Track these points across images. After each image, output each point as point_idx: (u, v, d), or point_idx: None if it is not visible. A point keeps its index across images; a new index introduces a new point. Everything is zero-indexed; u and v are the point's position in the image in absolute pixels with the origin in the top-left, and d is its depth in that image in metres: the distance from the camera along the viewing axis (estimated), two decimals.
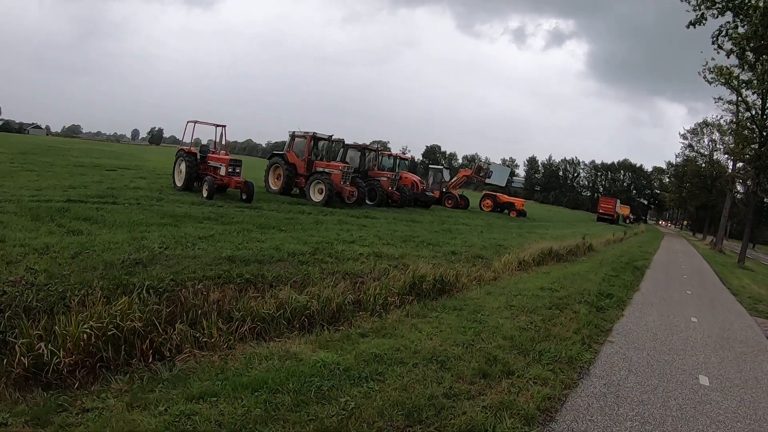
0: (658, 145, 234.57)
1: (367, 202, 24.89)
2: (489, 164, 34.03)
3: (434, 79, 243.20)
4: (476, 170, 33.99)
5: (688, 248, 38.80)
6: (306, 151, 22.22)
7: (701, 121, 56.44)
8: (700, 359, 7.19)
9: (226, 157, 18.11)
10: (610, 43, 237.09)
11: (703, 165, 56.37)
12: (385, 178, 25.52)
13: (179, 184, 17.96)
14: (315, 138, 22.46)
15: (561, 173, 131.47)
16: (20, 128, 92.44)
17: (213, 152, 18.65)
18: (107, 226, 9.43)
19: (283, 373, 4.78)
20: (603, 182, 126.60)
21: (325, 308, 7.11)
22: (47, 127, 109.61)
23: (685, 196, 61.23)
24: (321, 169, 21.54)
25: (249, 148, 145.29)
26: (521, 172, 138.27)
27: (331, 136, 23.38)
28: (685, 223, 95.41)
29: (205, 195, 16.45)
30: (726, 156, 49.36)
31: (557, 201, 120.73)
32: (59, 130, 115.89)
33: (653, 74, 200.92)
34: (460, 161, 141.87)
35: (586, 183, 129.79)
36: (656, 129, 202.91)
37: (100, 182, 16.68)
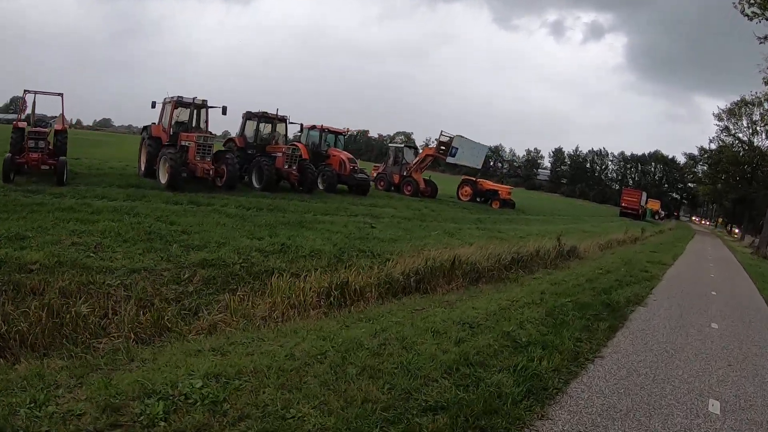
0: (695, 139, 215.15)
1: (254, 185, 16.98)
2: (451, 138, 24.67)
3: (471, 73, 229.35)
4: (438, 147, 24.85)
5: (723, 252, 28.46)
6: (168, 121, 15.96)
7: (739, 99, 44.39)
8: None
9: (34, 129, 13.86)
10: (649, 36, 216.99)
11: (742, 152, 44.51)
12: (279, 154, 17.30)
13: None
14: (181, 104, 16.12)
15: (588, 165, 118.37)
16: (45, 121, 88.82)
17: (41, 126, 14.78)
18: None
19: None
20: (633, 175, 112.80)
21: None
22: (78, 121, 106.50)
23: (720, 189, 49.36)
24: (183, 143, 15.44)
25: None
26: (547, 163, 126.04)
27: (196, 98, 16.18)
28: (719, 220, 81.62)
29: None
30: None
31: (584, 194, 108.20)
32: (91, 124, 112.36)
33: (692, 68, 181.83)
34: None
35: (615, 176, 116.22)
36: (693, 123, 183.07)
37: None
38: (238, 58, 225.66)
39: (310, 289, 7.27)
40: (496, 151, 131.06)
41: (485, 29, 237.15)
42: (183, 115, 16.50)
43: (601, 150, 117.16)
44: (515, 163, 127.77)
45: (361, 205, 16.91)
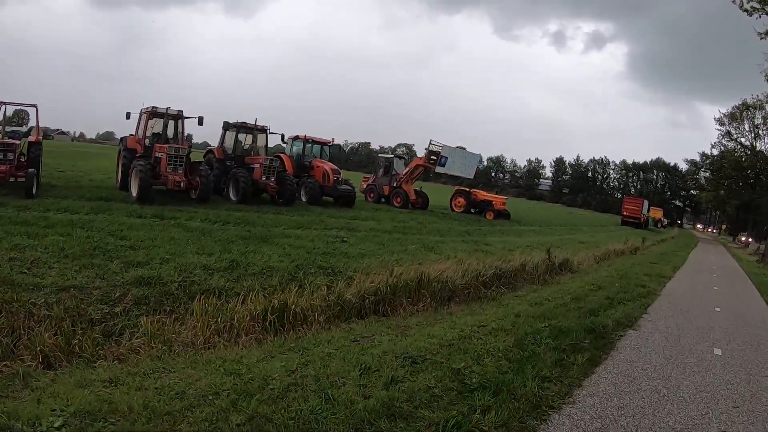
0: (697, 145, 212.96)
1: (231, 197, 16.10)
2: (440, 146, 23.61)
3: (472, 84, 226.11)
4: (428, 157, 23.80)
5: (728, 261, 27.12)
6: (143, 132, 15.29)
7: (740, 102, 43.04)
8: None
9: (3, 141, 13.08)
10: (649, 44, 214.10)
11: (744, 156, 43.03)
12: (257, 165, 16.44)
13: None
14: (155, 114, 15.27)
15: (590, 174, 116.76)
16: (45, 134, 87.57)
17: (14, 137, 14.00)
18: None
19: None
20: (635, 183, 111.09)
21: None
22: (81, 134, 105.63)
23: (723, 195, 47.73)
24: (158, 155, 14.70)
25: (279, 151, 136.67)
26: (548, 173, 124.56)
27: (169, 108, 15.31)
28: (723, 227, 79.64)
29: None
30: None
31: (586, 204, 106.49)
32: (93, 136, 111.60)
33: (693, 74, 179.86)
34: (485, 163, 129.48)
35: (617, 184, 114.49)
36: (695, 130, 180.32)
37: None
38: (240, 70, 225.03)
39: (245, 312, 6.36)
40: (497, 162, 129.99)
41: (486, 40, 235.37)
42: (158, 125, 15.81)
43: (602, 159, 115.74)
44: (516, 174, 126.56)
45: (341, 218, 15.87)
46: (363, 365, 4.54)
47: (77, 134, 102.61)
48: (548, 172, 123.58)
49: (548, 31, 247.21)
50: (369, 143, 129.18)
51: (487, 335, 5.93)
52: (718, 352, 6.80)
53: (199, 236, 10.16)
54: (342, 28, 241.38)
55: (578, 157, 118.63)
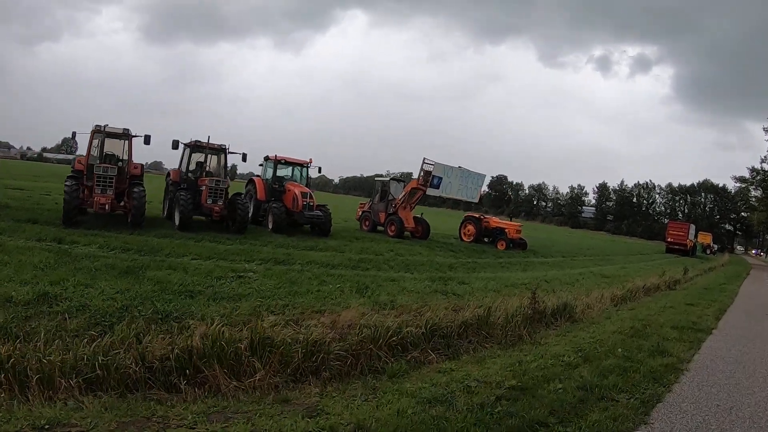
0: (748, 165, 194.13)
1: (175, 222, 13.50)
2: (432, 164, 19.86)
3: (518, 112, 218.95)
4: (424, 178, 20.14)
5: None
6: (87, 152, 13.44)
7: None
8: None
9: None
10: (695, 65, 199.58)
11: None
12: (203, 187, 13.73)
13: None
14: (100, 132, 13.22)
15: (635, 200, 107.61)
16: None
17: None
18: None
19: None
20: (682, 207, 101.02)
21: None
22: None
23: None
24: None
25: (321, 183, 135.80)
26: (591, 200, 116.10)
27: (107, 125, 13.42)
28: None
29: None
30: None
31: (631, 231, 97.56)
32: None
33: (741, 94, 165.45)
34: (527, 191, 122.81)
35: (663, 209, 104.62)
36: (745, 151, 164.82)
37: None
38: (288, 103, 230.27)
39: None
40: (539, 190, 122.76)
41: (531, 68, 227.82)
42: (101, 145, 13.75)
43: (647, 183, 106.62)
44: (559, 202, 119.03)
45: (293, 248, 12.63)
46: None
47: None
48: (591, 198, 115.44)
49: (593, 57, 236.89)
50: (411, 173, 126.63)
51: None
52: None
53: (62, 263, 7.93)
54: (388, 61, 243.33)
55: (622, 182, 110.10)
